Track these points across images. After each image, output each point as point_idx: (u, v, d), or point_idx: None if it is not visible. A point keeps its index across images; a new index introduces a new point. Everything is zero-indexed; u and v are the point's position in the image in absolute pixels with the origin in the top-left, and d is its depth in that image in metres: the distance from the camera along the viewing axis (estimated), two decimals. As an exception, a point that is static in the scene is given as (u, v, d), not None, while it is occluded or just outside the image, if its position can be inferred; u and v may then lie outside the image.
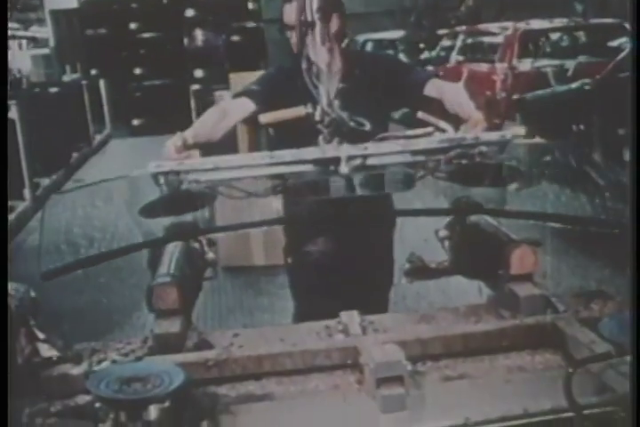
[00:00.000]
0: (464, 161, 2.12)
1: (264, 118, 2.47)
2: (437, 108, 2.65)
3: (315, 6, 2.16)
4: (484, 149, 2.14)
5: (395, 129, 2.47)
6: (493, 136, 2.23)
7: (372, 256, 2.87)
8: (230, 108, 2.72)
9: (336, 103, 2.14)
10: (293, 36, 2.66)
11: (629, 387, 1.37)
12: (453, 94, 2.69)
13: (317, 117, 2.15)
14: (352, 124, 2.16)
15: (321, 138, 2.13)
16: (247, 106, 2.67)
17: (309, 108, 2.19)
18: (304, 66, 2.18)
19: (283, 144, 2.37)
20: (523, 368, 1.84)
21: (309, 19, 2.13)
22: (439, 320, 2.13)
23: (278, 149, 2.12)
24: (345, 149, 2.05)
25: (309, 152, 2.12)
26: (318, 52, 2.20)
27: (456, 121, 2.42)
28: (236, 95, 2.78)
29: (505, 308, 2.13)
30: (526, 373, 1.83)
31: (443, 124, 2.32)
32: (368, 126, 2.21)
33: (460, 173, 2.15)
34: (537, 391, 1.70)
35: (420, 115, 2.43)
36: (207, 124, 2.63)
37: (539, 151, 3.05)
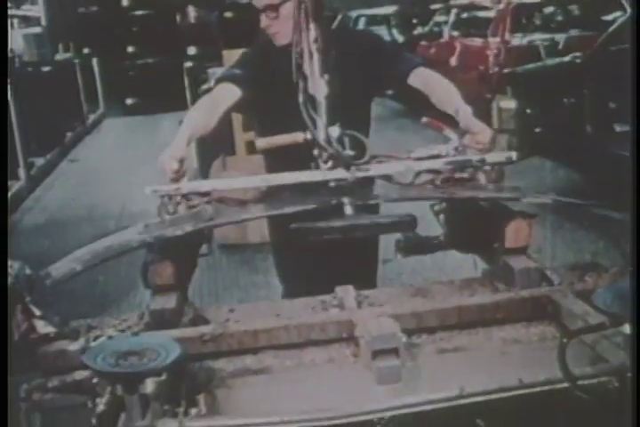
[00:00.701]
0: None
1: (260, 144, 2.45)
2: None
3: (312, 37, 2.13)
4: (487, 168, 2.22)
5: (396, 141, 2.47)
6: (499, 157, 2.28)
7: None
8: (218, 96, 2.61)
9: (333, 132, 2.16)
10: (263, 19, 2.64)
11: (629, 364, 1.38)
12: (443, 92, 2.58)
13: (315, 151, 2.18)
14: (347, 154, 2.17)
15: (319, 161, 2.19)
16: (233, 92, 2.58)
17: (307, 135, 2.18)
18: (301, 99, 2.13)
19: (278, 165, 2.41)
20: (518, 340, 1.85)
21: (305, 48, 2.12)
22: (434, 294, 2.14)
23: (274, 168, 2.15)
24: (345, 173, 2.14)
25: (308, 175, 2.17)
26: (317, 85, 2.18)
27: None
28: (219, 80, 2.66)
29: (500, 281, 2.14)
30: (521, 344, 1.83)
31: (448, 131, 2.33)
32: (364, 157, 2.19)
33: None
34: (532, 363, 1.71)
35: (425, 120, 2.44)
36: (200, 117, 2.53)
37: (530, 123, 3.05)
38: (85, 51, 15.08)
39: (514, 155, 2.27)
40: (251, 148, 5.44)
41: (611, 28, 6.00)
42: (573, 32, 7.91)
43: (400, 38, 12.90)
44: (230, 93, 2.58)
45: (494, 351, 1.81)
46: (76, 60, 13.30)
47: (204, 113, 2.54)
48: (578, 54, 6.01)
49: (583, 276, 2.11)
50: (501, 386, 1.53)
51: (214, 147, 5.67)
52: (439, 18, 11.48)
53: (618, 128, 5.74)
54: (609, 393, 1.53)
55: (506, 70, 7.02)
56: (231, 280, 5.16)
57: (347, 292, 2.06)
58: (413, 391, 1.61)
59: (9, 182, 7.34)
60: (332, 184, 2.20)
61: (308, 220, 2.14)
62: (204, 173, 6.03)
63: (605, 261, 2.26)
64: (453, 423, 1.74)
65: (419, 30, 12.73)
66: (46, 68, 11.35)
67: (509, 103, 6.10)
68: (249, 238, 5.55)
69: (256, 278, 4.94)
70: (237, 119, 5.59)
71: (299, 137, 2.22)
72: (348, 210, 2.14)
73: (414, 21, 13.54)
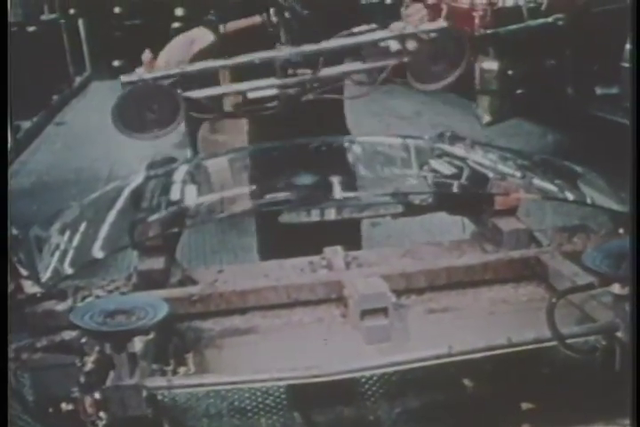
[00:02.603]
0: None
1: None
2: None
3: None
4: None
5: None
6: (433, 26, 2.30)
7: None
8: (192, 35, 2.72)
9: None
10: None
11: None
12: None
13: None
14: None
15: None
16: (207, 36, 2.67)
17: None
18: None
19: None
20: (506, 301, 1.86)
21: None
22: (423, 255, 2.14)
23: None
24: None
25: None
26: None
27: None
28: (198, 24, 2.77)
29: (488, 242, 2.14)
30: (510, 305, 1.84)
31: None
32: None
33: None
34: (520, 323, 1.72)
35: None
36: (176, 51, 2.65)
37: (512, 84, 3.04)
38: (71, 11, 14.85)
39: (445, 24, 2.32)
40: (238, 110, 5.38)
41: None
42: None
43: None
44: (205, 37, 2.67)
45: (483, 311, 1.82)
46: (62, 21, 13.11)
47: (180, 48, 2.65)
48: (560, 16, 6.02)
49: (572, 237, 2.11)
50: (490, 345, 1.54)
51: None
52: (427, -21, 11.39)
53: (599, 90, 5.78)
54: (596, 351, 1.54)
55: (488, 31, 7.03)
56: (219, 243, 5.15)
57: (335, 253, 2.06)
58: (402, 351, 1.61)
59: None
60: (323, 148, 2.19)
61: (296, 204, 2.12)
62: (192, 136, 5.99)
63: (594, 225, 2.26)
64: (441, 383, 1.75)
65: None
66: (31, 29, 11.18)
67: (491, 64, 6.12)
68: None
69: (244, 241, 4.93)
70: (225, 81, 5.52)
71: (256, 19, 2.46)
72: (337, 192, 2.07)
73: (401, -18, 13.49)
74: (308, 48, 2.28)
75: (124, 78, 2.32)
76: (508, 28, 6.50)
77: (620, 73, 5.02)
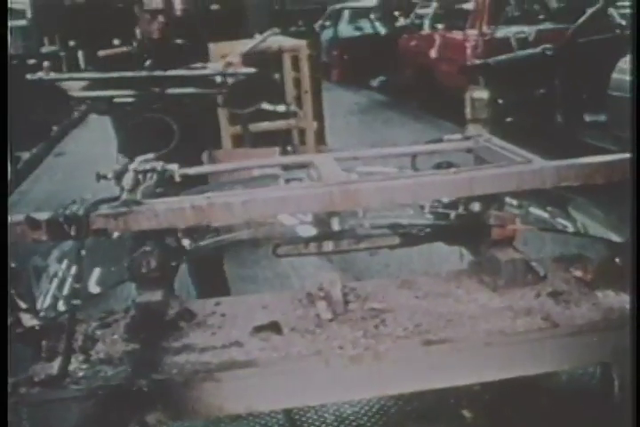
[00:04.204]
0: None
1: None
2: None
3: None
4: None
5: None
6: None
7: None
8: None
9: None
10: None
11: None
12: None
13: None
14: None
15: None
16: None
17: None
18: None
19: None
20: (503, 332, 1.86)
21: None
22: (420, 285, 2.14)
23: None
24: None
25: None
26: None
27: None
28: None
29: (486, 273, 2.14)
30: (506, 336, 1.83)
31: None
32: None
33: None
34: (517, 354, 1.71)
35: None
36: None
37: (502, 113, 3.09)
38: (71, 43, 14.96)
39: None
40: (237, 141, 5.43)
41: (580, 20, 6.10)
42: (545, 25, 8.01)
43: (382, 30, 12.98)
44: None
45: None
46: (62, 53, 13.20)
47: None
48: (548, 46, 6.14)
49: (569, 267, 2.12)
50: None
51: (200, 141, 5.67)
52: (420, 10, 11.52)
53: (587, 118, 5.87)
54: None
55: (477, 61, 7.14)
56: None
57: (333, 284, 2.06)
58: (399, 383, 1.61)
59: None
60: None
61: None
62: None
63: (591, 253, 2.27)
64: (440, 415, 1.75)
65: (401, 22, 12.79)
66: (32, 61, 11.27)
67: (482, 93, 6.23)
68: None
69: (242, 272, 4.93)
70: (223, 113, 5.57)
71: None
72: (335, 224, 2.11)
73: (396, 14, 13.63)
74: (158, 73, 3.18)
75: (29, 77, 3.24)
76: (498, 58, 6.61)
77: (607, 101, 5.09)
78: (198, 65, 3.30)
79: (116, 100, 3.25)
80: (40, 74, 3.25)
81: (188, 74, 3.24)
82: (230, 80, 3.23)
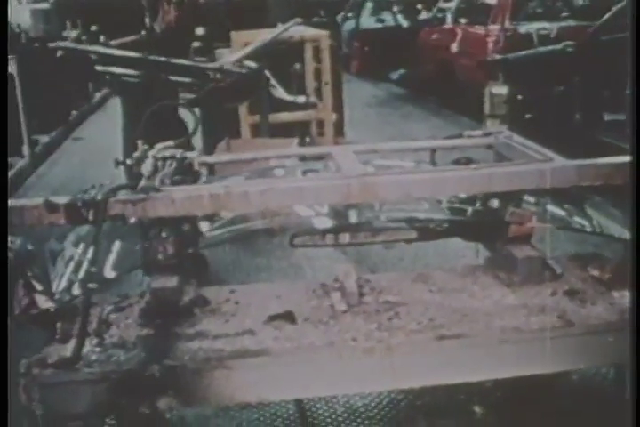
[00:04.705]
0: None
1: None
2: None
3: None
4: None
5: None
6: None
7: None
8: None
9: None
10: None
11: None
12: None
13: None
14: None
15: None
16: None
17: None
18: None
19: None
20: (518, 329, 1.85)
21: None
22: (436, 280, 2.13)
23: None
24: None
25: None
26: None
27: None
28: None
29: (502, 270, 2.13)
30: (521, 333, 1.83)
31: None
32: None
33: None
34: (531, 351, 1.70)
35: None
36: None
37: (521, 109, 3.09)
38: (93, 28, 15.00)
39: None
40: (255, 131, 5.43)
41: (603, 18, 6.06)
42: (568, 22, 7.95)
43: (404, 23, 12.91)
44: None
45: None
46: (84, 37, 13.22)
47: None
48: (570, 43, 6.10)
49: (586, 266, 2.10)
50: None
51: (219, 129, 5.67)
52: (443, 4, 11.47)
53: (607, 116, 5.83)
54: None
55: (497, 57, 7.10)
56: (232, 263, 5.15)
57: (347, 275, 2.06)
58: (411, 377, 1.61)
59: (12, 159, 7.33)
60: None
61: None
62: (208, 154, 6.03)
63: (608, 252, 2.26)
64: (450, 410, 1.75)
65: (423, 15, 12.73)
66: (52, 44, 11.28)
67: (501, 89, 6.20)
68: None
69: (258, 261, 4.93)
70: (243, 103, 5.58)
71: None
72: (352, 216, 2.10)
73: (419, 7, 13.56)
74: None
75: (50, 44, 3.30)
76: (518, 53, 6.58)
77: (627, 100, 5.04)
78: (203, 59, 3.77)
79: (124, 78, 3.76)
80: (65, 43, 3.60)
81: (187, 64, 3.64)
82: (222, 76, 3.61)
